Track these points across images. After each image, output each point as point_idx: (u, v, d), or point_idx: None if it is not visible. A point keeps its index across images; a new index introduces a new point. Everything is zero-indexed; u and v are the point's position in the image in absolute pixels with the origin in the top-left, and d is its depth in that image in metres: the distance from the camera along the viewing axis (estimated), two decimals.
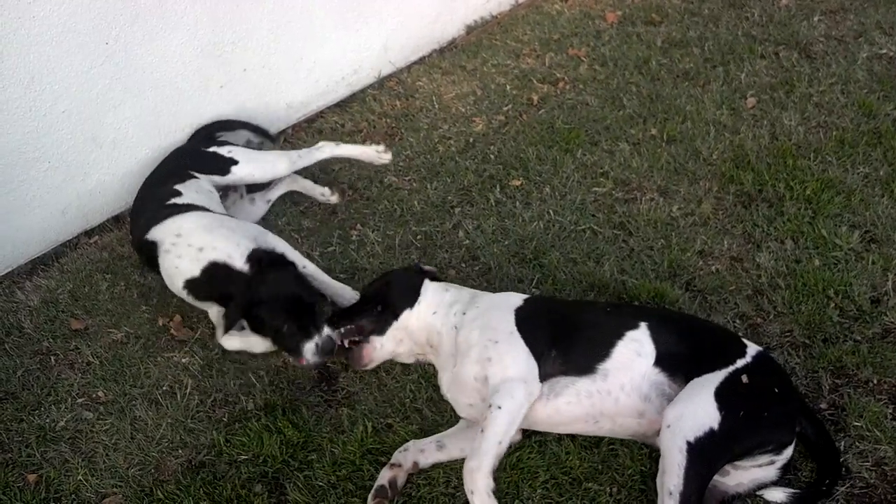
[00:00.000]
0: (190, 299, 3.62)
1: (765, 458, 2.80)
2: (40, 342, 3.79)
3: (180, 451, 3.25)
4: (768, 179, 4.18)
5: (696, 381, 2.83)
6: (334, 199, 4.38)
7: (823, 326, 3.41)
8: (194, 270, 3.52)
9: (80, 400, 3.50)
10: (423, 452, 3.05)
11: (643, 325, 2.99)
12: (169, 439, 3.30)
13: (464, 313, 3.20)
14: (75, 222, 4.38)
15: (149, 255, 3.72)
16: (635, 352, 2.93)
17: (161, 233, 3.66)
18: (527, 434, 3.11)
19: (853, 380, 3.21)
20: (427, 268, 3.58)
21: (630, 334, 2.97)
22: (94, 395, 3.52)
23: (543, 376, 2.95)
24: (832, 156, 4.28)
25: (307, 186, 4.43)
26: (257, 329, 3.45)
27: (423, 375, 3.41)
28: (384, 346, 3.35)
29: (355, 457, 3.11)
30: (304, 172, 4.48)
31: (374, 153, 4.51)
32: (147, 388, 3.51)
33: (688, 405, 2.76)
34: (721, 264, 3.79)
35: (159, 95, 4.40)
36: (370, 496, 2.94)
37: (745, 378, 2.83)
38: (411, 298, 3.33)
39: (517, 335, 3.02)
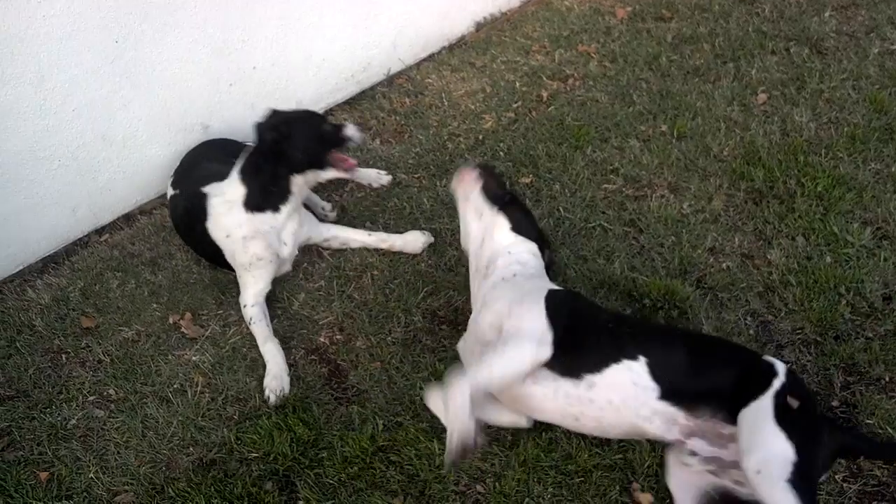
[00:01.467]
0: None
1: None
2: (51, 340, 3.80)
3: (191, 449, 3.26)
4: (779, 176, 4.16)
5: (746, 415, 2.69)
6: (332, 215, 4.38)
7: (835, 323, 3.40)
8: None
9: (91, 398, 3.51)
10: None
11: (642, 360, 2.83)
12: (180, 437, 3.31)
13: (514, 275, 3.21)
14: (86, 220, 4.39)
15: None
16: (631, 381, 2.81)
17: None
18: (539, 429, 3.11)
19: (865, 377, 3.19)
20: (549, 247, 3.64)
21: (627, 362, 2.84)
22: (105, 393, 3.53)
23: None
24: (843, 152, 4.26)
25: (314, 199, 4.43)
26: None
27: (432, 373, 3.41)
28: (471, 200, 3.43)
29: (366, 454, 3.11)
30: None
31: (374, 174, 4.59)
32: (158, 386, 3.52)
33: (761, 449, 2.61)
34: (732, 261, 3.78)
35: (169, 94, 4.41)
36: None
37: (793, 402, 2.71)
38: (526, 229, 3.39)
39: (543, 307, 2.97)
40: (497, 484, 2.98)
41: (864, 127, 4.42)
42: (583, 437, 3.07)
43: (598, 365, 2.83)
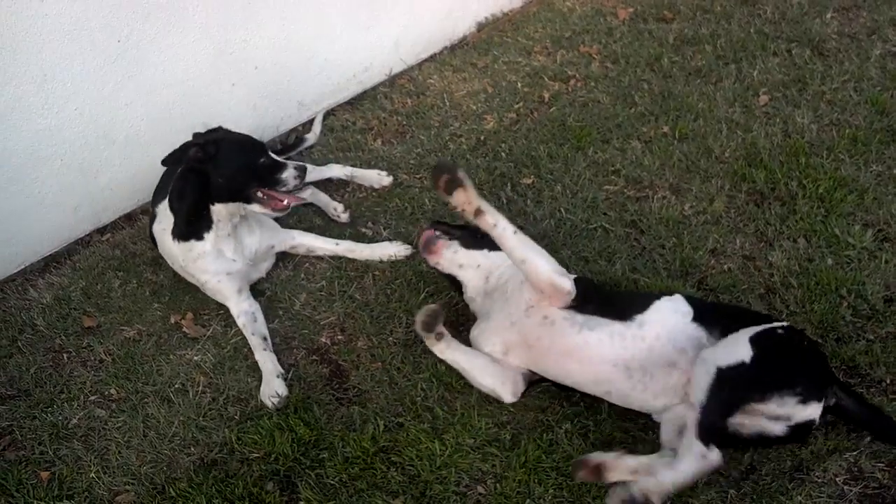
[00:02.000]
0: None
1: (790, 402, 2.75)
2: (53, 340, 3.80)
3: (192, 449, 3.26)
4: (781, 177, 4.16)
5: (732, 335, 2.92)
6: (344, 217, 4.34)
7: (836, 325, 3.40)
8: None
9: (92, 397, 3.52)
10: None
11: (678, 294, 3.18)
12: (181, 437, 3.31)
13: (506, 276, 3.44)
14: (88, 220, 4.40)
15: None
16: (672, 309, 3.09)
17: None
18: (539, 430, 3.11)
19: (866, 379, 3.19)
20: None
21: (666, 297, 3.17)
22: (106, 393, 3.53)
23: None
24: (845, 154, 4.26)
25: (324, 200, 4.41)
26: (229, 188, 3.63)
27: (434, 374, 3.40)
28: (458, 255, 3.53)
29: (367, 455, 3.11)
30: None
31: (375, 175, 4.58)
32: (159, 386, 3.53)
33: (724, 345, 2.89)
34: (733, 263, 3.78)
35: (171, 93, 4.42)
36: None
37: (780, 331, 2.92)
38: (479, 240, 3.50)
39: None
40: (498, 485, 2.98)
41: (865, 129, 4.42)
42: (584, 438, 3.07)
43: (643, 305, 3.12)
